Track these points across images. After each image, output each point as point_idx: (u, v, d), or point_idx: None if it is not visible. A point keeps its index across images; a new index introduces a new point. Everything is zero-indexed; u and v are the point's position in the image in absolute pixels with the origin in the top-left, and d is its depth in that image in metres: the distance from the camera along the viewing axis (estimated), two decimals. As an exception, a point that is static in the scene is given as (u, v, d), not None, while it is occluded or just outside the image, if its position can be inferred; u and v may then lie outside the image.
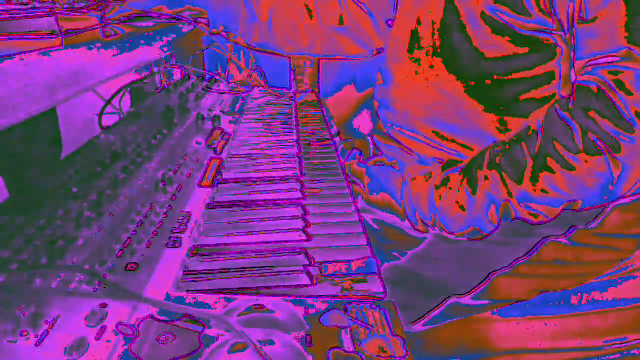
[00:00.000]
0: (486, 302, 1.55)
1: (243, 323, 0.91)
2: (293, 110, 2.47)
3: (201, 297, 0.99)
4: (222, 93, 2.72)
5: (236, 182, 1.59)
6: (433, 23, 1.53)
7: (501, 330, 1.59)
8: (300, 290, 1.05)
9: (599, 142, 1.18)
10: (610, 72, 1.18)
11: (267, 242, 1.23)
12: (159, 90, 2.43)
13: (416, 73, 1.59)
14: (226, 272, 1.11)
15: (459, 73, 1.50)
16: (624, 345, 1.57)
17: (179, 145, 1.86)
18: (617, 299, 1.58)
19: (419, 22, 1.58)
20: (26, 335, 0.86)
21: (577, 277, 1.56)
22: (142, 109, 2.08)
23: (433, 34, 1.53)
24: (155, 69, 2.57)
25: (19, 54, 1.15)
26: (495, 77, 1.42)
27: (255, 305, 0.95)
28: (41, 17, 1.29)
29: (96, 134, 1.74)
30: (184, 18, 1.89)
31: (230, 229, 1.29)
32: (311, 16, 1.96)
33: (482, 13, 1.39)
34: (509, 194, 1.30)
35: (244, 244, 1.23)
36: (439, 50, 1.52)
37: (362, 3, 1.97)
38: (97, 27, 1.50)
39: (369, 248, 1.20)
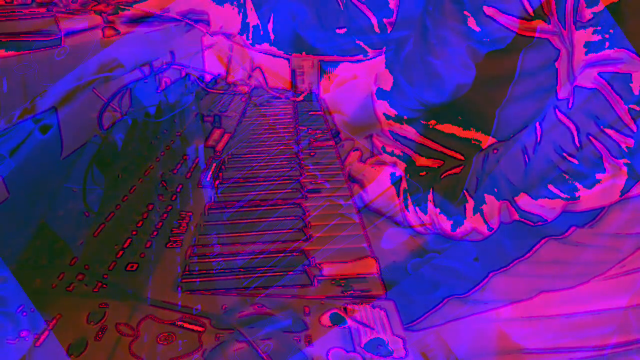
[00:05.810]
0: (486, 301, 1.55)
1: (243, 322, 0.91)
2: (293, 111, 2.47)
3: (201, 297, 0.99)
4: (222, 93, 2.71)
5: (236, 181, 1.59)
6: None
7: (501, 330, 1.59)
8: (300, 291, 1.05)
9: (597, 144, 1.18)
10: (608, 74, 1.18)
11: (267, 242, 1.23)
12: (159, 91, 2.43)
13: None
14: (226, 272, 1.11)
15: None
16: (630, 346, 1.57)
17: (179, 145, 1.86)
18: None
19: None
20: (26, 335, 0.86)
21: (577, 277, 1.55)
22: (142, 109, 2.08)
23: None
24: (156, 69, 2.57)
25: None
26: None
27: (255, 304, 0.95)
28: (41, 17, 1.29)
29: (96, 134, 1.74)
30: (185, 19, 1.89)
31: (230, 228, 1.29)
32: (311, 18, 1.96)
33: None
34: (509, 194, 1.30)
35: (244, 244, 1.23)
36: None
37: (362, 4, 1.97)
38: (98, 27, 1.50)
39: (369, 248, 1.20)
